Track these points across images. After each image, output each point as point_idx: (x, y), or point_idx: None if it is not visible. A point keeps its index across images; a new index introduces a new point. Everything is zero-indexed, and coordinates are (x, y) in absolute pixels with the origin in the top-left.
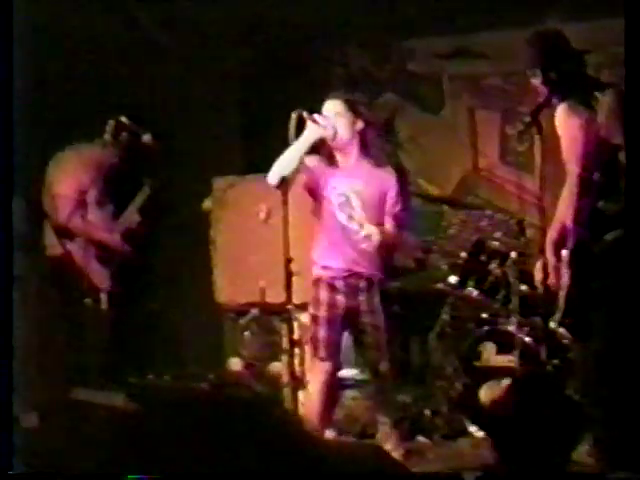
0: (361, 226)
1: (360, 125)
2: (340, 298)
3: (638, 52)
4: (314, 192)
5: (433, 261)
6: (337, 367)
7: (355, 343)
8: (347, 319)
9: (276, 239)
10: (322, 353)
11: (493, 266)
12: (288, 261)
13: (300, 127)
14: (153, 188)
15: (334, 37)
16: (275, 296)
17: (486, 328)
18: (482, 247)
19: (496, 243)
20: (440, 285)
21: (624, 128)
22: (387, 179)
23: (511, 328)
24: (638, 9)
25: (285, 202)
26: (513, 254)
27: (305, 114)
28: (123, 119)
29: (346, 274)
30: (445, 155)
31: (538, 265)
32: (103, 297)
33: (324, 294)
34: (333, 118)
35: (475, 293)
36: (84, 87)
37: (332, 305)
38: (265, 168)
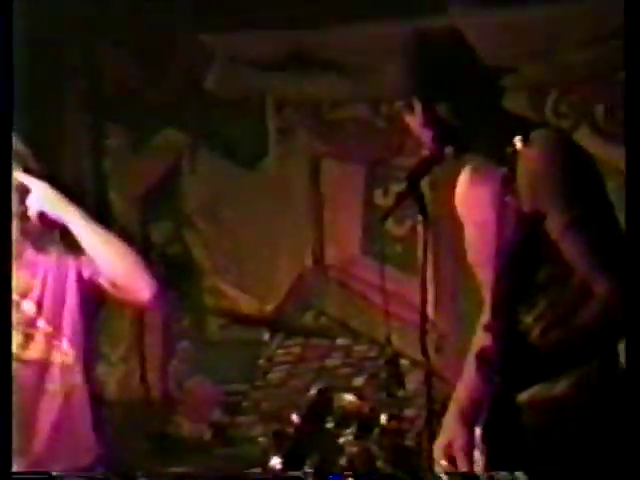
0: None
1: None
2: None
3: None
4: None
5: (242, 431)
6: None
7: None
8: None
9: None
10: None
11: (347, 438)
12: None
13: None
14: None
15: None
16: None
17: None
18: (326, 403)
19: (351, 398)
20: (255, 472)
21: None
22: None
23: None
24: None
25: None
26: (383, 418)
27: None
28: None
29: None
30: (265, 240)
31: (438, 442)
32: None
33: None
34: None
35: None
36: None
37: None
38: None
